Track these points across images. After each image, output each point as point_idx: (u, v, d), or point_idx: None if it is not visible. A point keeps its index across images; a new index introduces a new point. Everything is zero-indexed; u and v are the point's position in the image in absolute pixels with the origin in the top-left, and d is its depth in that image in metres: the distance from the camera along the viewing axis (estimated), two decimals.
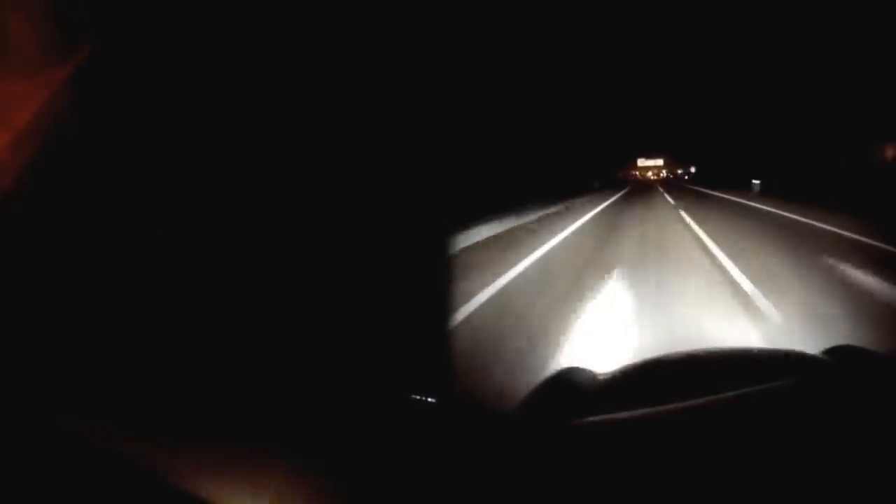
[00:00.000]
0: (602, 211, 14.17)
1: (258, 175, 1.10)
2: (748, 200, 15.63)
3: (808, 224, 8.88)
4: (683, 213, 11.90)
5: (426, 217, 1.29)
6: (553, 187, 18.76)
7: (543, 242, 7.73)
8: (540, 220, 11.78)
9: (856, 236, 7.05)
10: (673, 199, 18.82)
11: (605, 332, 3.45)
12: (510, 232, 9.47)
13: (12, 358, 0.78)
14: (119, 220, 0.99)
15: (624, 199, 20.67)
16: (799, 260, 5.49)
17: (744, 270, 4.93)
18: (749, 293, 4.13)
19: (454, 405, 0.83)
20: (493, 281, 4.94)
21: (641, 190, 30.74)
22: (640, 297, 4.21)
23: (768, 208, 12.29)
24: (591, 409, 0.80)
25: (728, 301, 4.02)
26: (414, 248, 1.24)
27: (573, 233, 9.35)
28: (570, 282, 4.89)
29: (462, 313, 3.85)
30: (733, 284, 4.50)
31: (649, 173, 67.33)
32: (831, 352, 1.26)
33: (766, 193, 18.37)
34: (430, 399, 0.77)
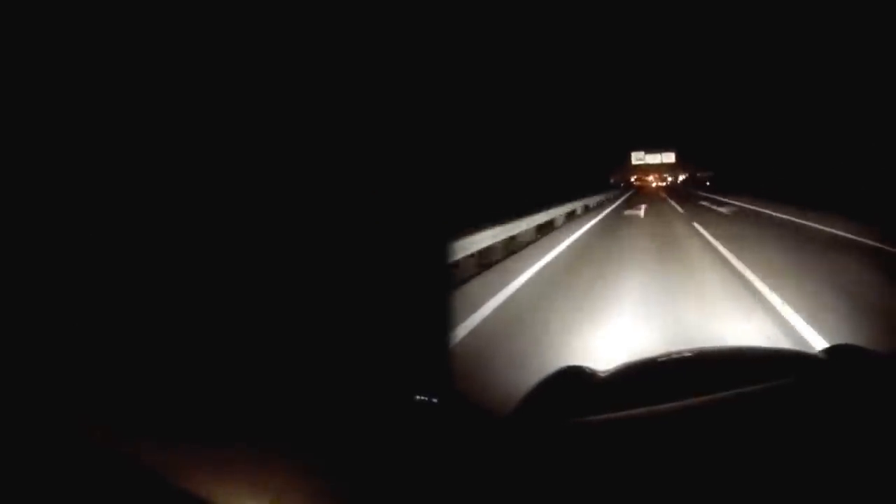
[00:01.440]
0: None
1: (257, 176, 1.10)
2: None
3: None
4: None
5: None
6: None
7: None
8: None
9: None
10: None
11: None
12: None
13: (14, 358, 0.78)
14: (120, 221, 0.99)
15: None
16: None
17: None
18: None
19: (456, 405, 0.83)
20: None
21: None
22: None
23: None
24: (591, 408, 0.80)
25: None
26: None
27: None
28: None
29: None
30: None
31: (650, 176, 44.49)
32: (830, 351, 1.26)
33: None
34: (433, 399, 0.78)
